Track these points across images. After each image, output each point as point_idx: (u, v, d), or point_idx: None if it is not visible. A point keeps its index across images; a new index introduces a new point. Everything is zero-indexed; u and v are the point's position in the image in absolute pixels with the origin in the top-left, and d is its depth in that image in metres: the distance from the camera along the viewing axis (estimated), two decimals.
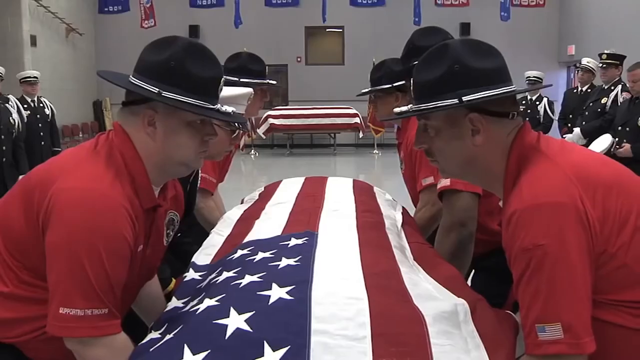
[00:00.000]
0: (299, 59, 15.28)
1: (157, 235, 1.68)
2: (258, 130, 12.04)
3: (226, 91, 2.21)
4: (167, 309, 1.58)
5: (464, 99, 1.37)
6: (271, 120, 13.06)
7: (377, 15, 14.18)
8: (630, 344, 1.32)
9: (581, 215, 1.26)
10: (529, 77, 8.10)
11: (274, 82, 3.15)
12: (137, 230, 1.49)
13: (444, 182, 2.04)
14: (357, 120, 13.15)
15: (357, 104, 12.75)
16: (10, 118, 6.47)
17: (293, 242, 1.73)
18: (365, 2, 13.99)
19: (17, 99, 7.32)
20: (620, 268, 1.29)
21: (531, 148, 1.41)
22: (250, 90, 2.33)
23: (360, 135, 13.88)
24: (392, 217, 2.13)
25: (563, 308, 1.25)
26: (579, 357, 1.26)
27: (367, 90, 2.81)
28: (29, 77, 7.73)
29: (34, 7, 11.53)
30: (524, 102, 7.78)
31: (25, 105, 7.28)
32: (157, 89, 1.45)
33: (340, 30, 15.13)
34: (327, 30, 15.05)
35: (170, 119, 1.49)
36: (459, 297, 1.48)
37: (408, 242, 1.94)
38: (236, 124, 2.30)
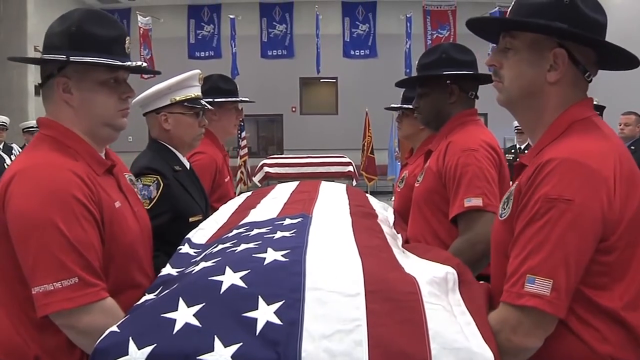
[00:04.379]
0: (293, 109, 15.57)
1: (133, 193, 1.75)
2: (254, 178, 12.20)
3: (176, 78, 2.33)
4: (161, 275, 1.55)
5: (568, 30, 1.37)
6: (266, 169, 13.21)
7: (369, 66, 14.49)
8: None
9: (610, 193, 1.27)
10: (517, 126, 8.31)
11: (247, 99, 3.23)
12: (97, 194, 1.50)
13: (476, 202, 1.99)
14: (350, 168, 13.32)
15: (350, 152, 12.99)
16: (5, 164, 6.65)
17: (288, 221, 1.72)
18: (358, 54, 14.35)
19: (19, 147, 7.51)
20: (604, 264, 1.30)
21: (589, 118, 1.41)
22: (197, 71, 2.41)
23: (354, 183, 14.06)
24: (384, 215, 2.12)
25: (561, 268, 1.24)
26: (550, 320, 1.27)
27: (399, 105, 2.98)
28: (31, 127, 7.94)
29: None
30: (512, 150, 7.98)
31: None
32: (65, 56, 1.51)
33: (334, 80, 15.45)
34: (321, 80, 15.34)
35: (83, 82, 1.55)
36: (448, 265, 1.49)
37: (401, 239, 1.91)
38: (198, 105, 2.39)
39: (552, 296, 1.24)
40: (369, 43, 14.26)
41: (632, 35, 9.90)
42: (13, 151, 7.27)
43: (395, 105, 3.08)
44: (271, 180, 14.03)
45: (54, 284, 1.36)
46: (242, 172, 12.25)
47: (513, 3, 1.46)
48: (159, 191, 2.12)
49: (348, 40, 14.28)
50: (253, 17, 14.25)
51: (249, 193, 2.52)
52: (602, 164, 1.29)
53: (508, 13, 1.49)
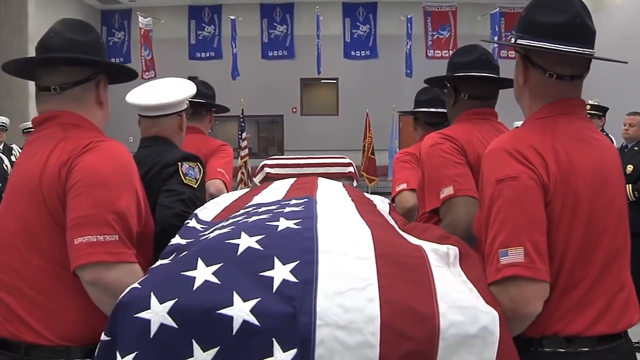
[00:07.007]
0: (294, 110, 15.58)
1: None
2: (254, 179, 12.19)
3: (187, 91, 2.55)
4: (170, 244, 1.58)
5: (520, 42, 1.54)
6: (267, 170, 13.19)
7: (370, 67, 14.52)
8: None
9: (541, 171, 1.40)
10: (518, 127, 8.26)
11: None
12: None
13: (448, 192, 2.04)
14: (351, 169, 13.32)
15: (350, 153, 12.98)
16: (4, 165, 6.64)
17: (294, 201, 1.79)
18: (359, 54, 14.37)
19: (19, 148, 7.51)
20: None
21: (553, 117, 1.51)
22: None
23: (354, 184, 14.03)
24: (380, 205, 2.17)
25: (526, 234, 1.35)
26: (535, 284, 1.34)
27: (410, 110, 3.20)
28: (31, 128, 7.92)
29: None
30: None
31: None
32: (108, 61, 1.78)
33: (335, 81, 15.46)
34: (322, 81, 15.35)
35: (104, 86, 1.77)
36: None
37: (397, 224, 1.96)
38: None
39: (527, 261, 1.33)
40: (369, 44, 14.28)
41: (632, 35, 9.90)
42: (13, 152, 7.25)
43: (408, 110, 3.19)
44: (272, 181, 13.98)
45: (97, 236, 1.45)
46: (242, 173, 12.25)
47: None
48: (201, 175, 2.29)
49: (349, 41, 14.30)
50: (254, 18, 14.27)
51: (248, 189, 2.60)
52: (523, 148, 1.43)
53: None
